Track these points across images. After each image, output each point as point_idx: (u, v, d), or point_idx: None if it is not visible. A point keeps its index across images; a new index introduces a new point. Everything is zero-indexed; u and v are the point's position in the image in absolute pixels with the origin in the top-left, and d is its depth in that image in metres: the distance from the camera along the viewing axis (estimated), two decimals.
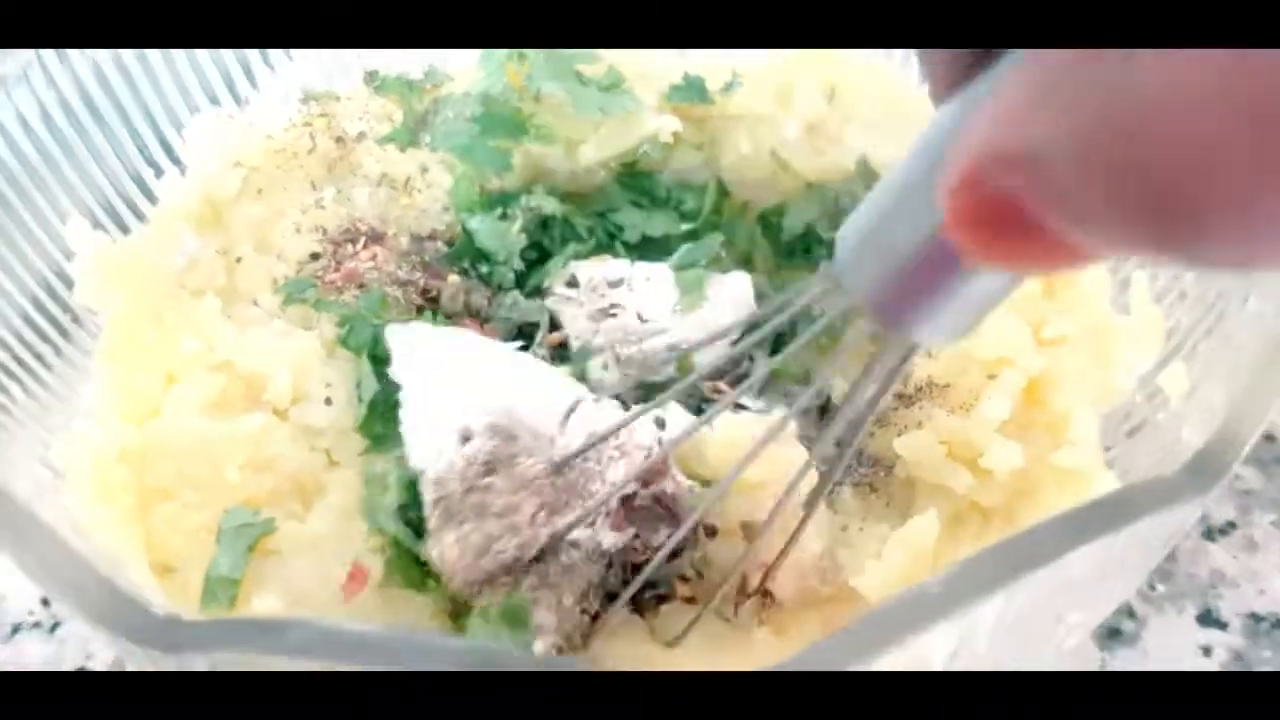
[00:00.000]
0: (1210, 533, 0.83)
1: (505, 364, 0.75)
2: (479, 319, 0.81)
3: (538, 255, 0.85)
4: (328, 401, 0.74)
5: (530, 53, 0.89)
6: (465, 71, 0.94)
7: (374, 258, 0.82)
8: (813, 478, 0.64)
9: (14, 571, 0.83)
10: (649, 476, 0.67)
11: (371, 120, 0.91)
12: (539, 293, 0.83)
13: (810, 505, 0.64)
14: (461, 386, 0.71)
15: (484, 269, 0.84)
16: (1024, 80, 0.32)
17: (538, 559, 0.64)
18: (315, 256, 0.83)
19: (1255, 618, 0.79)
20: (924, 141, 0.41)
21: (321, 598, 0.66)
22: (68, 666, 0.80)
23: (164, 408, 0.73)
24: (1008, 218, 0.32)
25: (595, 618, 0.65)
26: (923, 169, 0.41)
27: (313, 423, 0.74)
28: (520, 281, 0.83)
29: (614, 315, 0.80)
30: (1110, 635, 0.78)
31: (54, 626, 0.82)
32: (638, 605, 0.67)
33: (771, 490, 0.65)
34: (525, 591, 0.64)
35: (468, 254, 0.84)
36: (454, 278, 0.83)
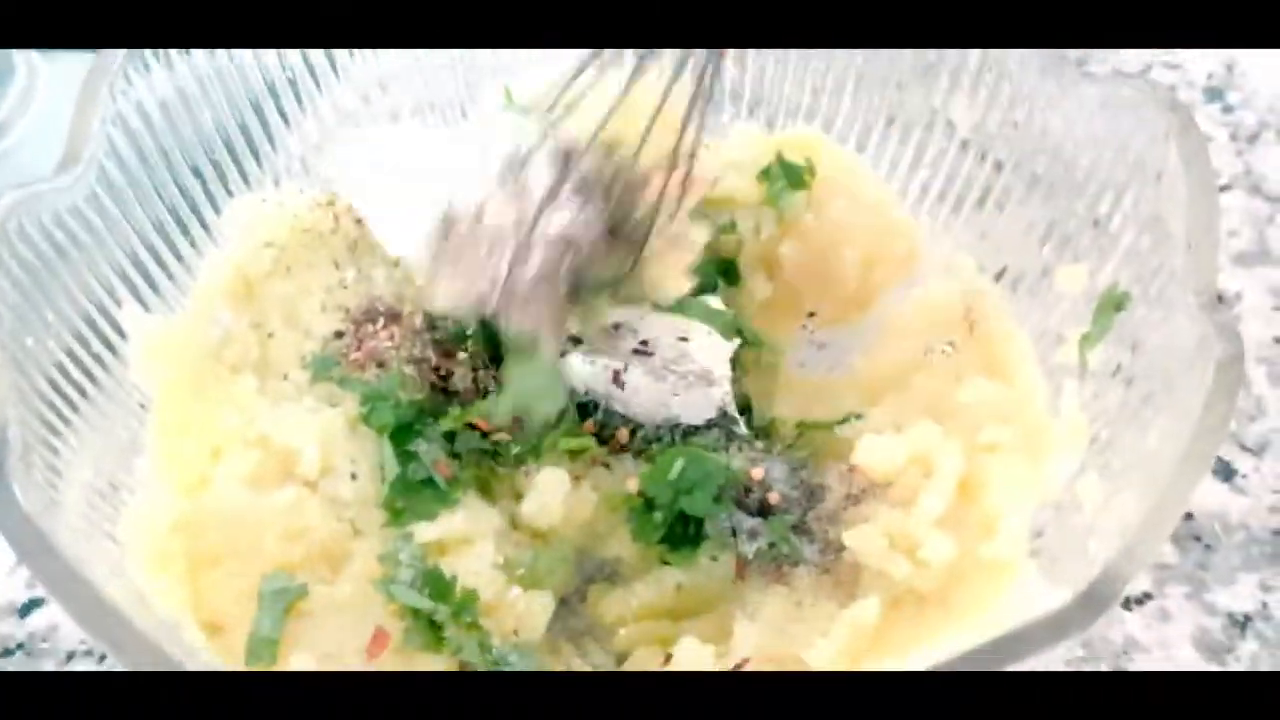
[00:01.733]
0: (1127, 603, 0.93)
1: (446, 150, 0.94)
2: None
3: None
4: (353, 476, 0.84)
5: None
6: None
7: (392, 337, 0.92)
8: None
9: None
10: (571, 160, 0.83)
11: None
12: None
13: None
14: (419, 180, 0.89)
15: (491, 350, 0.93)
16: None
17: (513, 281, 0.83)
18: (339, 335, 0.92)
19: None
20: None
21: (348, 657, 0.77)
22: None
23: (211, 480, 0.83)
24: None
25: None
26: None
27: (339, 494, 0.84)
28: None
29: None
30: None
31: (104, 655, 0.92)
32: None
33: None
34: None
35: (478, 336, 0.93)
36: (463, 355, 0.93)
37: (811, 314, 1.00)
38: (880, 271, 0.99)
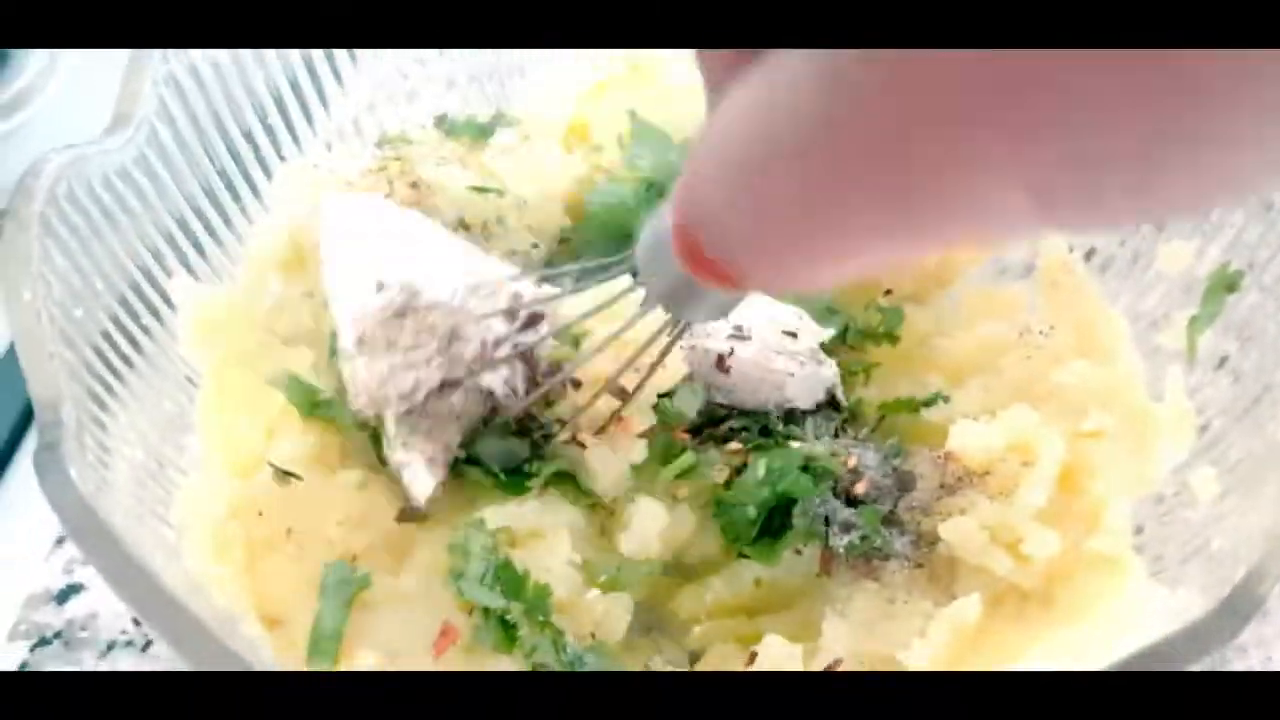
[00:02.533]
0: None
1: (429, 239, 0.86)
2: None
3: None
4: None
5: None
6: (532, 114, 1.00)
7: None
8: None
9: (108, 589, 0.90)
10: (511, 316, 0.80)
11: (449, 165, 0.95)
12: None
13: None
14: (384, 251, 0.83)
15: None
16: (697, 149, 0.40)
17: (427, 400, 0.78)
18: None
19: None
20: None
21: (415, 653, 0.72)
22: None
23: (265, 460, 0.78)
24: (698, 257, 0.42)
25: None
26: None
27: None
28: None
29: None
30: None
31: (146, 645, 0.88)
32: None
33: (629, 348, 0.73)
34: (399, 440, 0.77)
35: None
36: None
37: (888, 291, 0.95)
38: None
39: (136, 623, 0.89)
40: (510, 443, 0.80)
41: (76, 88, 1.36)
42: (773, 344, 0.84)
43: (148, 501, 0.72)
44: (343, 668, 0.71)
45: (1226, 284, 0.78)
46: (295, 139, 0.93)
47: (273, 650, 0.70)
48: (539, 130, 0.99)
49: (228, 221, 0.87)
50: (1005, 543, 0.75)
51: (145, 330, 0.79)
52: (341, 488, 0.77)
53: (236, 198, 0.88)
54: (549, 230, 0.95)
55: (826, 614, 0.76)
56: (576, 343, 0.82)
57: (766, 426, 0.83)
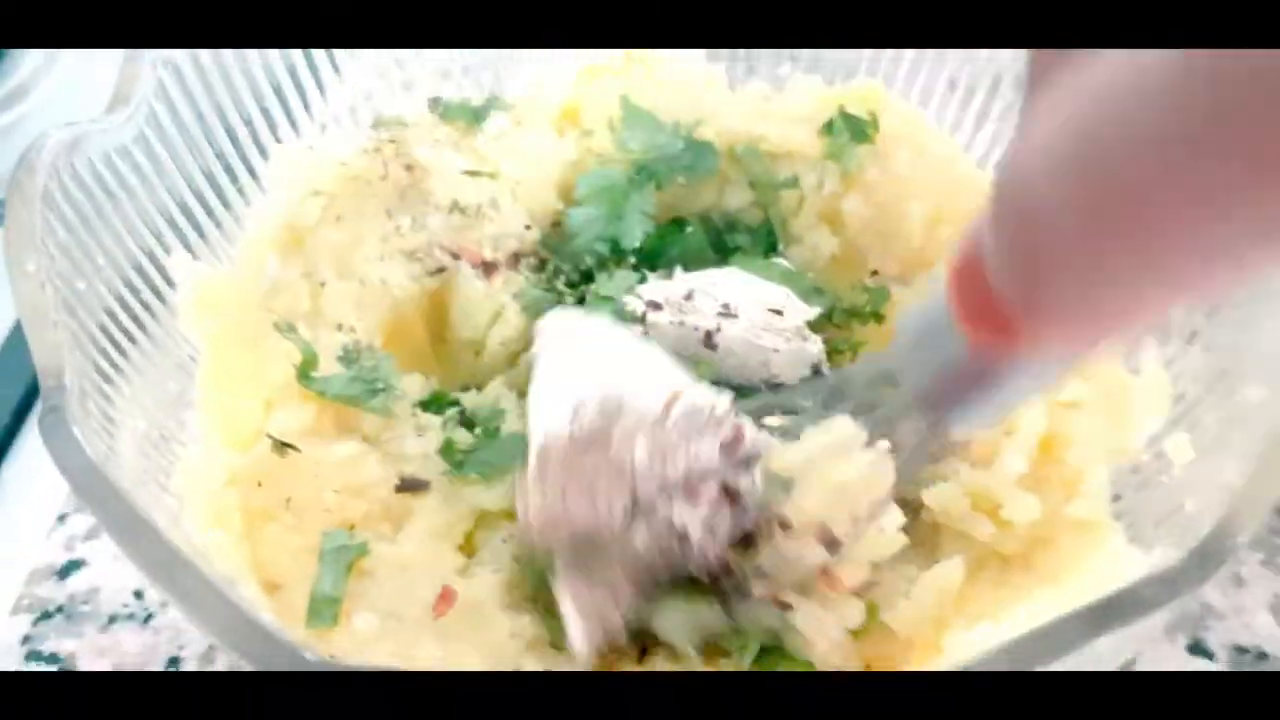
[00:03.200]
0: None
1: (627, 347, 0.81)
2: None
3: None
4: (416, 432, 0.82)
5: None
6: (525, 99, 1.01)
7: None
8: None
9: (109, 564, 0.92)
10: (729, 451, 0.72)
11: (443, 148, 0.97)
12: None
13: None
14: (584, 364, 0.77)
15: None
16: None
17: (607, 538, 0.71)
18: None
19: (1240, 649, 0.88)
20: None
21: (414, 616, 0.74)
22: (161, 656, 0.88)
23: (264, 433, 0.80)
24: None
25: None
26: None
27: (400, 449, 0.81)
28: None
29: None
30: None
31: (148, 618, 0.90)
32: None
33: (848, 494, 0.72)
34: (565, 587, 0.72)
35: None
36: None
37: (874, 272, 0.97)
38: (947, 228, 0.96)
39: (138, 596, 0.91)
40: (698, 606, 0.73)
41: (73, 82, 1.37)
42: (759, 322, 0.86)
43: (151, 472, 0.73)
44: (341, 631, 0.72)
45: None
46: (293, 123, 0.94)
47: (273, 614, 0.72)
48: (531, 114, 1.00)
49: (225, 203, 0.89)
50: (986, 508, 0.77)
51: (147, 308, 0.81)
52: (338, 458, 0.79)
53: (234, 179, 0.90)
54: (542, 213, 0.97)
55: None
56: (787, 488, 0.72)
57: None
